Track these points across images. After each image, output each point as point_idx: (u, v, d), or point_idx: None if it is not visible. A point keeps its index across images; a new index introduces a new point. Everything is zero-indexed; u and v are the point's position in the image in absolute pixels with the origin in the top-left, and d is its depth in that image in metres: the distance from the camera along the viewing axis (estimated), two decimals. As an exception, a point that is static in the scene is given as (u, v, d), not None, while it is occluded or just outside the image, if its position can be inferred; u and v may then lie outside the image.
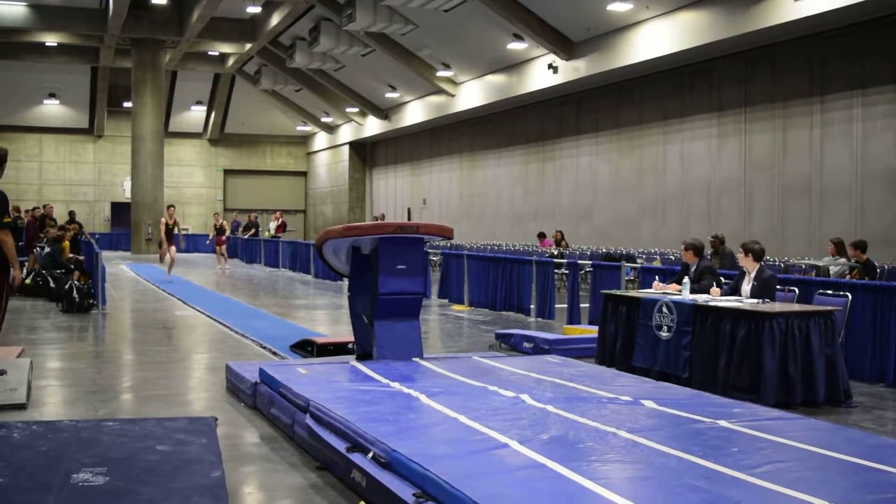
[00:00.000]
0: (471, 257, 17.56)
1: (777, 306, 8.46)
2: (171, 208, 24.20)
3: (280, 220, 34.81)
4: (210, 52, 39.44)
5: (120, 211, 44.93)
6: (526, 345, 10.91)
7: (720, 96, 21.19)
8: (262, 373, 7.57)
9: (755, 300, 8.79)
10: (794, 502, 4.20)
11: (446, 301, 17.69)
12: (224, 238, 28.63)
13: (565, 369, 8.07)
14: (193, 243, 37.85)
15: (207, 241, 31.33)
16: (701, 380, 8.37)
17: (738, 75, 20.61)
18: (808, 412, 7.41)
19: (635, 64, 21.90)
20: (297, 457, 6.12)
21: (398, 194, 40.73)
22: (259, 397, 7.50)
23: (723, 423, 5.86)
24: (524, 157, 29.91)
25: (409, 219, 36.46)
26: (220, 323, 13.58)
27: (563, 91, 26.11)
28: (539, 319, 14.69)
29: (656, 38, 20.82)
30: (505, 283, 15.97)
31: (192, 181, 48.59)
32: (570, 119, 27.15)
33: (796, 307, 8.56)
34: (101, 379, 9.11)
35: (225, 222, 30.00)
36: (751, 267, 9.26)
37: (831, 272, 14.12)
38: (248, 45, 36.08)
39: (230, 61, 40.30)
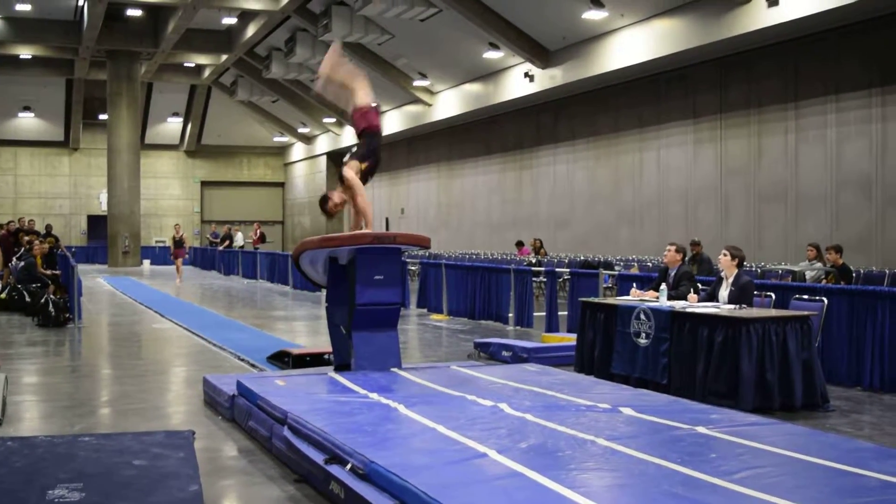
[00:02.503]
0: (449, 266, 17.55)
1: (754, 312, 8.49)
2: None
3: (258, 231, 34.74)
4: (186, 64, 39.32)
5: (96, 224, 44.67)
6: (504, 353, 10.91)
7: (696, 103, 21.30)
8: (239, 385, 7.53)
9: (732, 306, 8.82)
10: (772, 508, 4.21)
11: (425, 310, 17.68)
12: (183, 250, 28.57)
13: (544, 377, 8.06)
14: (166, 256, 37.74)
15: (171, 255, 31.08)
16: (679, 386, 8.38)
17: (713, 82, 20.73)
18: (785, 417, 7.44)
19: (611, 72, 21.99)
20: (275, 469, 6.09)
21: (376, 204, 40.63)
22: (237, 410, 7.46)
23: (701, 429, 5.87)
24: (501, 165, 29.96)
25: (387, 228, 36.33)
26: (198, 335, 13.51)
27: (539, 99, 26.18)
28: (517, 328, 14.69)
29: (631, 46, 20.91)
30: (483, 292, 15.96)
31: (169, 193, 48.40)
32: (546, 127, 27.22)
33: (773, 312, 8.60)
34: (78, 393, 9.04)
35: (185, 234, 29.94)
36: (731, 272, 9.30)
37: (807, 277, 14.20)
38: (224, 57, 36.00)
39: (206, 72, 40.20)
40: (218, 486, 5.78)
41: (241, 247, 34.50)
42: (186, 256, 32.85)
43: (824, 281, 13.57)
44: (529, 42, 23.68)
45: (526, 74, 24.76)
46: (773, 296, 9.69)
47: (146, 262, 39.14)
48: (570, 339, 11.14)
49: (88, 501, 4.85)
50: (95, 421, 7.78)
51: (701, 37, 18.79)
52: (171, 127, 47.25)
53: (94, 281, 27.39)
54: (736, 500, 4.36)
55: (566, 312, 14.26)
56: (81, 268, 18.41)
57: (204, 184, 49.12)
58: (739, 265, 9.37)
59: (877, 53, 16.79)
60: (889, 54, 16.57)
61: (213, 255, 35.81)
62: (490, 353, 11.22)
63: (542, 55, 23.87)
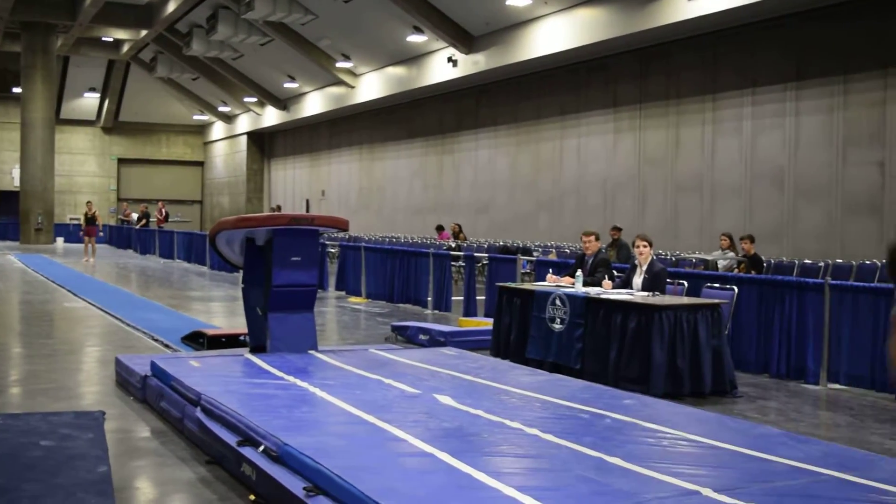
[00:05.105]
0: (368, 249, 17.51)
1: (666, 299, 8.64)
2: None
3: (163, 210, 34.39)
4: (104, 38, 38.38)
5: (8, 200, 43.45)
6: (422, 337, 10.93)
7: (616, 93, 21.52)
8: (153, 366, 7.43)
9: (646, 293, 8.96)
10: (681, 491, 4.29)
11: (344, 293, 17.62)
12: (95, 228, 28.05)
13: (460, 361, 8.10)
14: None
15: (81, 232, 30.46)
16: (592, 371, 8.49)
17: (633, 72, 20.97)
18: (695, 403, 7.59)
19: (534, 59, 22.11)
20: (186, 451, 6.03)
21: (297, 185, 40.40)
22: (149, 391, 7.36)
23: (613, 414, 5.96)
24: (424, 149, 29.96)
25: (307, 210, 36.21)
26: (111, 315, 13.28)
27: (462, 84, 26.22)
28: (436, 312, 14.74)
29: (554, 34, 21.04)
30: (402, 276, 15.97)
31: (85, 170, 47.38)
32: (469, 113, 27.28)
33: (685, 300, 8.77)
34: (-15, 373, 8.83)
35: (97, 212, 29.39)
36: (646, 260, 9.44)
37: (720, 266, 14.49)
38: (144, 32, 35.21)
39: (125, 48, 39.33)
40: (128, 467, 5.70)
41: (145, 224, 34.16)
42: (101, 234, 32.22)
43: (736, 270, 13.86)
44: (453, 27, 23.67)
45: (449, 59, 24.76)
46: (686, 284, 9.87)
47: (60, 240, 38.28)
48: (487, 323, 11.21)
49: (-7, 483, 4.75)
50: (3, 401, 7.61)
51: (622, 27, 19.00)
52: (88, 102, 46.20)
53: (5, 258, 26.76)
54: (646, 483, 4.43)
55: (484, 297, 14.34)
56: (-9, 244, 17.94)
57: (121, 161, 48.19)
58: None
59: (793, 48, 17.15)
60: (805, 49, 16.94)
61: (129, 234, 35.20)
62: (407, 337, 11.24)
63: (465, 40, 23.88)
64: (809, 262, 15.30)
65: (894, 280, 3.39)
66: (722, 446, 5.22)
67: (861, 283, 9.88)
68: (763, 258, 14.68)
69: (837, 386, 8.72)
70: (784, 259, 16.00)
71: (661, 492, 4.30)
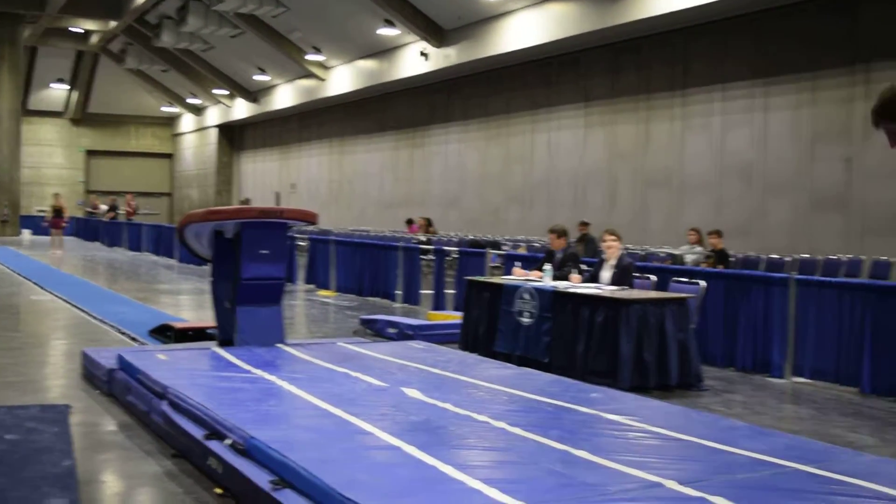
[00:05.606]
0: (338, 243, 17.49)
1: (634, 293, 8.69)
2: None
3: (131, 203, 34.12)
4: (73, 29, 38.03)
5: (-26, 191, 43.07)
6: (390, 330, 10.93)
7: (587, 87, 21.59)
8: (120, 359, 7.39)
9: (614, 287, 9.01)
10: (646, 484, 4.33)
11: (313, 287, 17.59)
12: (63, 221, 27.85)
13: (429, 355, 8.11)
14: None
15: (44, 224, 30.24)
16: (560, 365, 8.52)
17: (604, 67, 21.04)
18: (661, 396, 7.64)
19: (505, 53, 22.14)
20: (153, 444, 6.00)
21: (267, 178, 40.24)
22: (115, 384, 7.32)
23: (580, 407, 5.99)
24: (394, 143, 29.93)
25: (277, 203, 36.10)
26: (78, 308, 13.18)
27: (433, 78, 26.21)
28: (405, 305, 14.74)
29: (526, 29, 21.08)
30: (371, 269, 15.97)
31: (53, 162, 46.97)
32: (440, 106, 27.27)
33: (652, 294, 8.82)
34: (-51, 366, 8.74)
35: (65, 204, 29.19)
36: (614, 254, 9.49)
37: (687, 260, 14.59)
38: (113, 23, 34.95)
39: (94, 39, 39.02)
40: (94, 460, 5.67)
41: (114, 217, 33.97)
42: (65, 226, 31.94)
43: (703, 265, 13.96)
44: (425, 20, 23.66)
45: (421, 53, 24.74)
46: (654, 278, 9.92)
47: (26, 232, 37.87)
48: (456, 317, 11.21)
49: (-45, 476, 4.72)
50: (-33, 394, 7.54)
51: (594, 22, 19.06)
52: (56, 94, 45.79)
53: (-30, 250, 26.48)
54: (612, 476, 4.46)
55: (453, 291, 14.35)
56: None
57: (90, 153, 47.81)
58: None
59: (763, 45, 17.27)
60: (774, 46, 17.06)
61: (97, 226, 34.92)
62: (376, 330, 11.23)
63: (437, 34, 23.88)
64: (776, 256, 15.43)
65: (876, 125, 3.46)
66: (687, 439, 5.26)
67: (826, 279, 9.99)
68: (731, 253, 14.79)
69: (802, 380, 8.81)
70: (751, 254, 16.12)
71: (626, 484, 4.33)
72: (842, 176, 15.83)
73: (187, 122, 46.87)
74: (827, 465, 4.73)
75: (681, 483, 4.31)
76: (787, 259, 15.16)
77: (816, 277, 10.63)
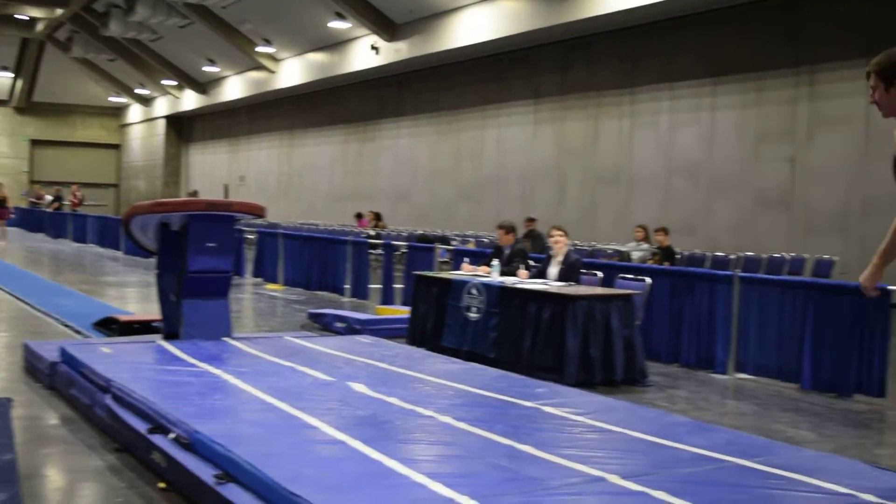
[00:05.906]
0: (286, 236, 17.40)
1: (581, 289, 8.76)
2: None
3: (77, 194, 33.70)
4: (18, 16, 37.37)
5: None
6: (338, 324, 10.90)
7: (537, 84, 21.69)
8: (63, 352, 7.29)
9: (561, 283, 9.06)
10: (589, 478, 4.36)
11: (261, 280, 17.48)
12: (7, 211, 27.44)
13: (376, 349, 8.10)
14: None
15: None
16: (507, 360, 8.55)
17: (554, 64, 21.15)
18: (606, 391, 7.70)
19: (456, 49, 22.17)
20: (96, 438, 5.94)
21: (215, 171, 39.92)
22: (58, 377, 7.22)
23: (526, 402, 6.02)
24: (344, 136, 29.84)
25: (226, 196, 35.82)
26: (20, 300, 12.98)
27: (384, 72, 26.18)
28: (353, 299, 14.71)
29: (477, 24, 21.12)
30: (320, 263, 15.91)
31: (-5, 151, 46.25)
32: (390, 101, 27.24)
33: (598, 290, 8.89)
34: None
35: (9, 195, 28.76)
36: (561, 250, 9.55)
37: (634, 257, 14.72)
38: (60, 11, 34.42)
39: (40, 26, 38.36)
40: (36, 454, 5.60)
41: (59, 207, 33.61)
42: (12, 216, 31.46)
43: (650, 262, 14.10)
44: (376, 14, 23.61)
45: (372, 47, 24.70)
46: (601, 274, 9.99)
47: (-32, 223, 37.28)
48: (404, 311, 11.21)
49: None
50: None
51: (544, 19, 19.15)
52: (0, 82, 45.01)
53: None
54: (555, 470, 4.49)
55: (402, 285, 14.35)
56: None
57: (34, 143, 47.08)
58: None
59: (711, 45, 17.48)
60: (722, 47, 17.28)
61: (42, 217, 34.41)
62: (324, 324, 11.20)
63: (388, 28, 23.84)
64: (721, 254, 15.64)
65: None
66: (630, 434, 5.31)
67: (769, 276, 10.15)
68: (676, 250, 14.96)
69: (745, 376, 8.93)
70: (697, 251, 16.31)
71: (569, 478, 4.36)
72: (786, 175, 16.07)
73: (135, 112, 46.33)
74: (767, 459, 4.80)
75: (623, 477, 4.35)
76: (732, 257, 15.37)
77: (760, 275, 10.80)
